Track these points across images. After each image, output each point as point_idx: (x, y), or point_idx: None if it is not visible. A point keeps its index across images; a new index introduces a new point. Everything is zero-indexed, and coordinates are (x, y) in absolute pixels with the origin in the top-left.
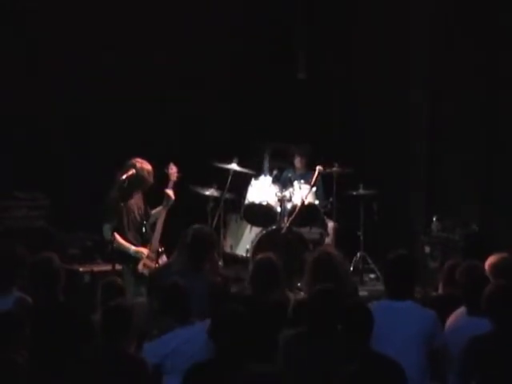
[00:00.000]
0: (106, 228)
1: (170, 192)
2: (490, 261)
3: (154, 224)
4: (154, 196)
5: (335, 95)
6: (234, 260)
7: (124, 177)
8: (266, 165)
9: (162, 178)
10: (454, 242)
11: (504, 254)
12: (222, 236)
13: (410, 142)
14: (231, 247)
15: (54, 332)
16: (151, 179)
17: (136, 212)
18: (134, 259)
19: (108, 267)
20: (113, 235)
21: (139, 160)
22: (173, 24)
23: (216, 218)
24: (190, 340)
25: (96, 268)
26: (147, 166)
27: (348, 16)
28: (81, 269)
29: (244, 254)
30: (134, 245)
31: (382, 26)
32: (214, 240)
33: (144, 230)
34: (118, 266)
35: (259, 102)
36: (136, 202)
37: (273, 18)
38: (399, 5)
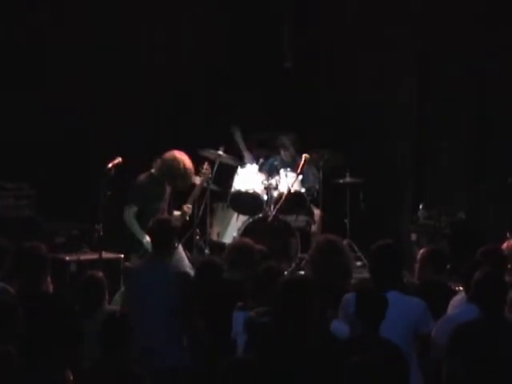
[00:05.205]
0: (130, 210)
1: (186, 208)
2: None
3: None
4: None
5: (321, 83)
6: (220, 248)
7: (110, 165)
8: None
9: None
10: (441, 230)
11: None
12: (208, 224)
13: (397, 129)
14: (218, 235)
15: (38, 322)
16: (186, 176)
17: (163, 202)
18: (142, 249)
19: (95, 256)
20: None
21: (182, 153)
22: (157, 14)
23: (202, 206)
24: None
25: (83, 257)
26: (185, 162)
27: (336, 4)
28: (67, 258)
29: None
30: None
31: (369, 15)
32: (173, 228)
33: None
34: (105, 255)
35: (245, 90)
36: (167, 192)
37: (259, 6)
38: None
